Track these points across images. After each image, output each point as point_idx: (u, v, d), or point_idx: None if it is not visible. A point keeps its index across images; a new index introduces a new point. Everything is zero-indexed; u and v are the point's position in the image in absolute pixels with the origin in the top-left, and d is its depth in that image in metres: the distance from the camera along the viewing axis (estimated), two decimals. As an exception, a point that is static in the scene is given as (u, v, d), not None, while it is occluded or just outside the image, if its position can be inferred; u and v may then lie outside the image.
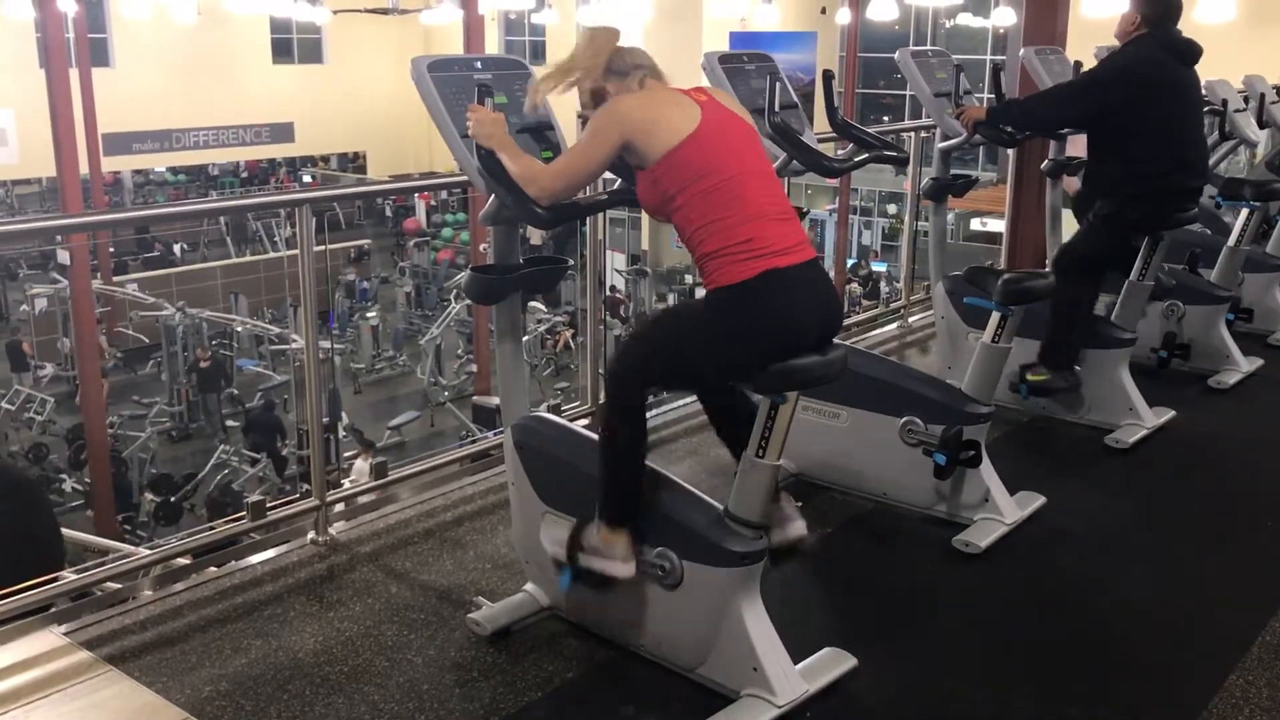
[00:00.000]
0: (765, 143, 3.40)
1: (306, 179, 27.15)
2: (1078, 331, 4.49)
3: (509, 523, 3.30)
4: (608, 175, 2.93)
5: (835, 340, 2.67)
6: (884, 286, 19.64)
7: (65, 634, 3.00)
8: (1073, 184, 4.96)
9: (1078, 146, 4.93)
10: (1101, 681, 2.88)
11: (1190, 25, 4.55)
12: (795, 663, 2.68)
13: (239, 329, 17.07)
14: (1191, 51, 4.38)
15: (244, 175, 27.74)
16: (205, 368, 15.78)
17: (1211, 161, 5.63)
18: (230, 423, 15.63)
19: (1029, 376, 4.45)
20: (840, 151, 4.23)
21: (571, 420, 3.46)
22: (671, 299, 20.21)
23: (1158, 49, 4.31)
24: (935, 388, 3.82)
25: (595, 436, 3.02)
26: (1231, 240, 5.37)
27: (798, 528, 2.84)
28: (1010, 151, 5.90)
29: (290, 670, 2.85)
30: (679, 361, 2.68)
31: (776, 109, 3.66)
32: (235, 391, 16.21)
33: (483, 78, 2.83)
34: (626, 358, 2.74)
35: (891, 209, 24.07)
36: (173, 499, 13.00)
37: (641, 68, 2.69)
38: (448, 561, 3.45)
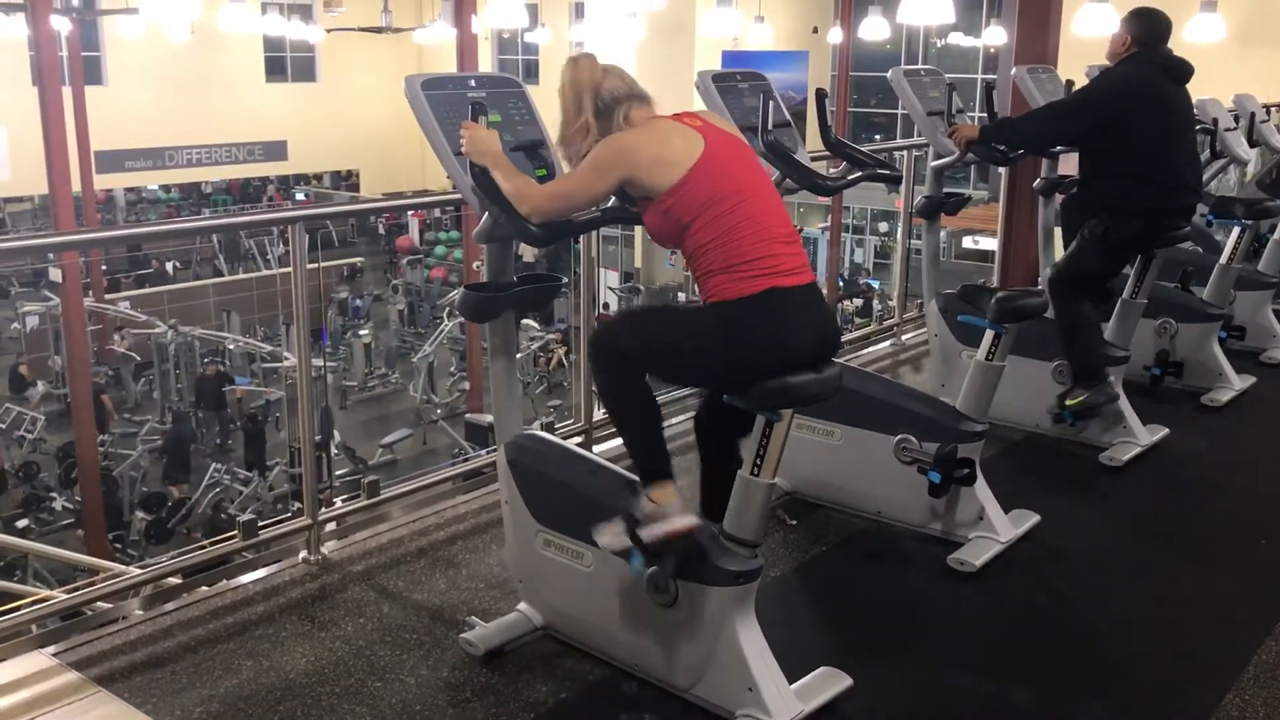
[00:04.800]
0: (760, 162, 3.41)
1: (300, 197, 27.15)
2: (1094, 345, 4.49)
3: (502, 541, 3.28)
4: None
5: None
6: (876, 304, 19.68)
7: (54, 655, 2.97)
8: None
9: (1070, 165, 4.94)
10: (1097, 700, 2.87)
11: (1181, 45, 4.57)
12: (790, 682, 2.66)
13: (231, 347, 17.03)
14: (1183, 70, 4.40)
15: (224, 197, 27.66)
16: (209, 380, 15.71)
17: (1203, 180, 5.66)
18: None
19: (1068, 403, 4.43)
20: (833, 170, 4.24)
21: (565, 438, 3.45)
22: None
23: (1149, 68, 4.33)
24: (929, 405, 3.82)
25: (590, 455, 3.02)
26: (1224, 258, 5.39)
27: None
28: (1003, 170, 5.92)
29: (282, 691, 2.83)
30: (671, 358, 2.66)
31: (770, 127, 3.67)
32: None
33: (476, 95, 2.83)
34: (618, 337, 2.73)
35: (884, 227, 24.13)
36: (167, 524, 12.96)
37: (622, 102, 2.67)
38: (440, 581, 3.43)
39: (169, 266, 23.29)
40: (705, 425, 2.99)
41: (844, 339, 6.22)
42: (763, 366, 2.53)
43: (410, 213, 25.94)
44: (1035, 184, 5.31)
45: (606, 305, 19.81)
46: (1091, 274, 4.51)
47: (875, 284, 21.79)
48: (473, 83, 2.95)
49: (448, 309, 18.30)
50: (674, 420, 4.70)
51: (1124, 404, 4.53)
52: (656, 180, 2.57)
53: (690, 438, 3.08)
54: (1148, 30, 4.35)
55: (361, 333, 18.79)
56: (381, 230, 27.54)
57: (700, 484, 2.94)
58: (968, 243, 21.04)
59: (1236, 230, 5.36)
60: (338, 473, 13.31)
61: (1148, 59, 4.34)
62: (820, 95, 4.25)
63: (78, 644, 3.03)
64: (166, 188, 26.62)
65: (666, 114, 2.72)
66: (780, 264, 2.54)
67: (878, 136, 23.72)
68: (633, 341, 2.71)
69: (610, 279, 21.55)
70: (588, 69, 2.70)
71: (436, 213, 25.16)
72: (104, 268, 20.10)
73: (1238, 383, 5.24)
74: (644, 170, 2.58)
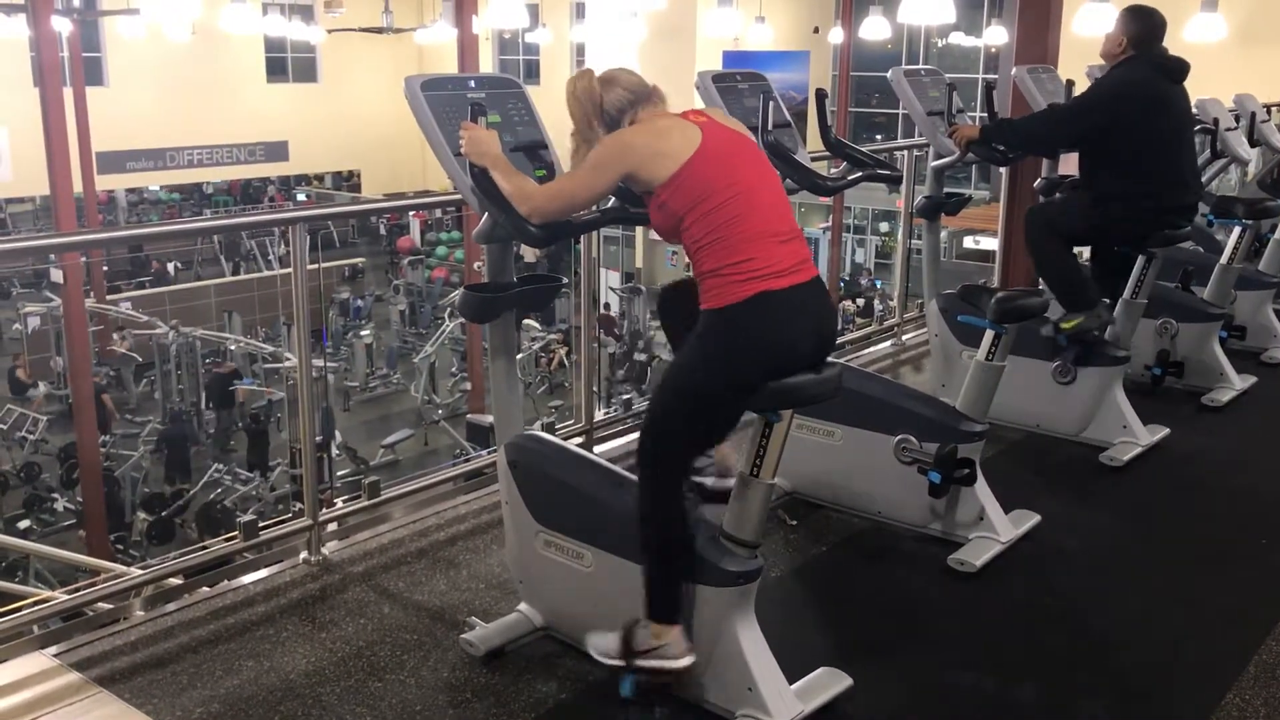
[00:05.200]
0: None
1: (301, 197, 27.16)
2: (1078, 276, 4.50)
3: (503, 542, 3.29)
4: None
5: (830, 359, 2.67)
6: (876, 304, 19.65)
7: (55, 655, 2.97)
8: None
9: (1070, 165, 4.95)
10: (1097, 700, 2.87)
11: (1181, 45, 4.58)
12: (791, 682, 2.67)
13: (232, 347, 17.04)
14: (1179, 69, 4.41)
15: (225, 198, 27.69)
16: (222, 377, 15.73)
17: (1203, 180, 5.66)
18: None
19: (1063, 325, 4.44)
20: (834, 170, 4.24)
21: (565, 439, 3.45)
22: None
23: (1147, 69, 4.34)
24: (929, 406, 3.82)
25: (591, 456, 3.02)
26: (1224, 258, 5.39)
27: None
28: (1003, 170, 5.92)
29: (282, 691, 2.83)
30: (695, 401, 2.60)
31: (770, 128, 3.67)
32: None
33: (476, 96, 2.84)
34: (650, 428, 2.67)
35: (884, 227, 24.12)
36: (162, 514, 12.99)
37: (626, 110, 2.68)
38: (441, 581, 3.43)
39: (170, 267, 23.32)
40: (667, 314, 3.00)
41: (845, 339, 6.23)
42: (761, 369, 2.52)
43: (411, 213, 25.97)
44: (1036, 184, 5.31)
45: (607, 305, 19.80)
46: (1072, 233, 4.53)
47: (880, 285, 21.78)
48: (472, 83, 2.95)
49: (449, 309, 18.31)
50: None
51: (1124, 403, 4.53)
52: (654, 173, 2.57)
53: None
54: (1143, 29, 4.35)
55: (363, 333, 18.79)
56: (383, 231, 27.54)
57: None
58: (968, 243, 21.02)
59: (1237, 230, 5.36)
60: (339, 473, 13.31)
61: (1144, 60, 4.34)
62: (820, 95, 4.25)
63: (79, 644, 3.03)
64: (168, 188, 26.63)
65: (673, 111, 2.72)
66: (771, 265, 2.51)
67: (878, 136, 23.72)
68: (658, 410, 2.68)
69: (611, 279, 21.54)
70: (585, 86, 2.70)
71: (438, 213, 25.17)
72: (105, 269, 20.12)
73: (1238, 383, 5.24)
74: (642, 164, 2.58)
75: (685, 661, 2.59)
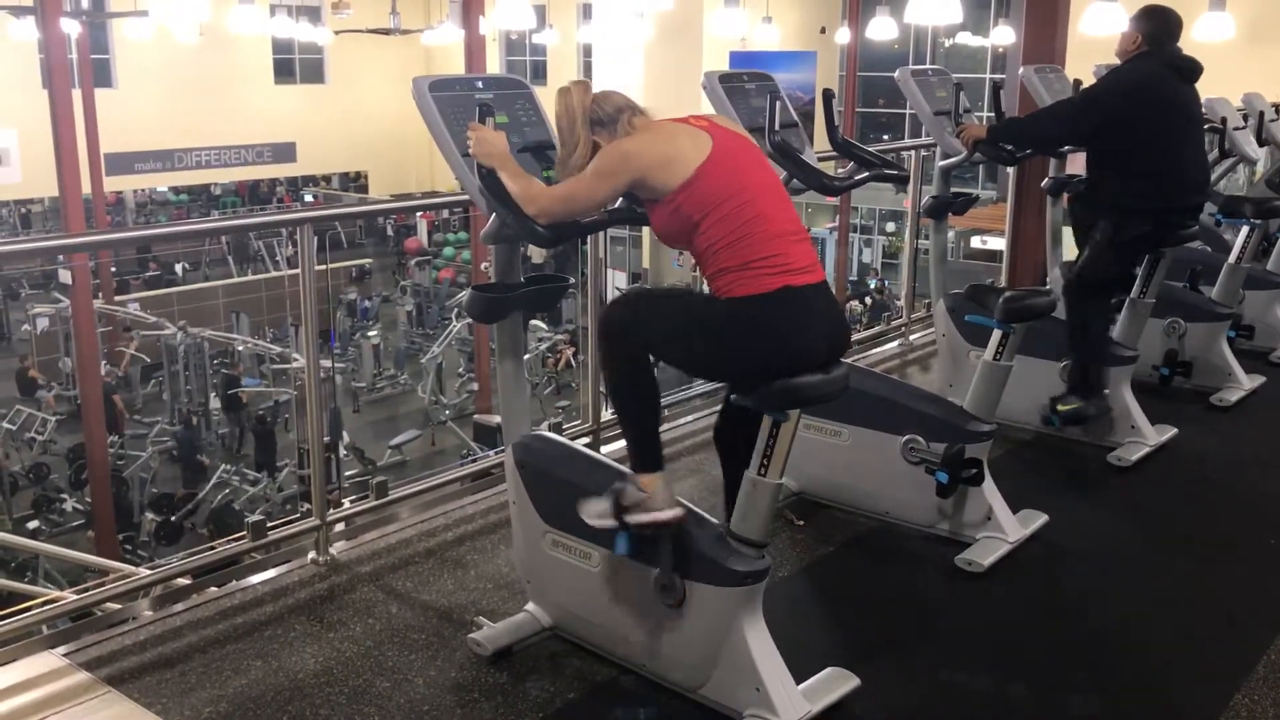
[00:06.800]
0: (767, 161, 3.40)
1: (308, 198, 27.21)
2: (1101, 354, 4.48)
3: (510, 542, 3.29)
4: None
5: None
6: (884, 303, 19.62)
7: (64, 655, 2.98)
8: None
9: (1078, 164, 4.94)
10: (1106, 701, 2.87)
11: (1190, 44, 4.56)
12: (798, 683, 2.66)
13: (240, 348, 17.08)
14: (1192, 69, 4.39)
15: (233, 199, 27.75)
16: (232, 378, 15.78)
17: (1211, 179, 5.64)
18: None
19: (1060, 408, 4.45)
20: (840, 170, 4.23)
21: (573, 439, 3.45)
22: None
23: (1158, 67, 4.32)
24: (937, 405, 3.81)
25: (598, 456, 3.02)
26: (1232, 257, 5.37)
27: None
28: (1010, 170, 5.91)
29: (290, 691, 2.84)
30: (680, 342, 2.65)
31: (776, 128, 3.67)
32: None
33: (484, 97, 2.84)
34: (629, 310, 2.73)
35: (891, 227, 24.10)
36: (173, 519, 13.02)
37: (624, 110, 2.69)
38: (449, 581, 3.43)
39: (178, 268, 23.38)
40: (724, 438, 2.99)
41: (853, 339, 6.22)
42: (772, 366, 2.52)
43: (419, 214, 26.00)
44: (1043, 183, 5.30)
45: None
46: (1107, 277, 4.50)
47: (886, 284, 21.75)
48: (480, 84, 2.95)
49: (456, 310, 18.32)
50: (681, 421, 4.72)
51: (1132, 404, 4.52)
52: (665, 179, 2.57)
53: (701, 437, 3.08)
54: (1158, 28, 4.34)
55: (370, 334, 18.82)
56: (390, 232, 27.59)
57: (724, 489, 2.94)
58: (976, 242, 21.00)
59: (1245, 229, 5.35)
60: (347, 473, 13.33)
61: (1156, 57, 4.33)
62: (827, 95, 4.25)
63: (88, 644, 3.04)
64: (176, 190, 26.70)
65: (671, 118, 2.73)
66: (792, 261, 2.53)
67: (885, 136, 23.68)
68: (642, 317, 2.71)
69: (618, 280, 21.54)
70: (579, 96, 2.71)
71: (445, 214, 25.21)
72: (113, 270, 20.17)
73: (1247, 382, 5.22)
74: (652, 171, 2.58)
75: (674, 513, 2.64)
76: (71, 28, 16.90)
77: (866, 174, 4.00)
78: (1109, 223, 4.38)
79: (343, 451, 13.97)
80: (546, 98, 3.06)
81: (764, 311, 2.51)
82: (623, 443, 4.38)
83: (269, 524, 3.61)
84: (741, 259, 2.53)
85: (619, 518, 2.66)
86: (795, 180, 3.70)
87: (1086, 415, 4.45)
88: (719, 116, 2.85)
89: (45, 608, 3.32)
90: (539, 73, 25.65)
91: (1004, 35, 17.21)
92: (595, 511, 2.72)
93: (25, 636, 3.04)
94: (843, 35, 20.16)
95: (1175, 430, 4.62)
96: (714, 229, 2.55)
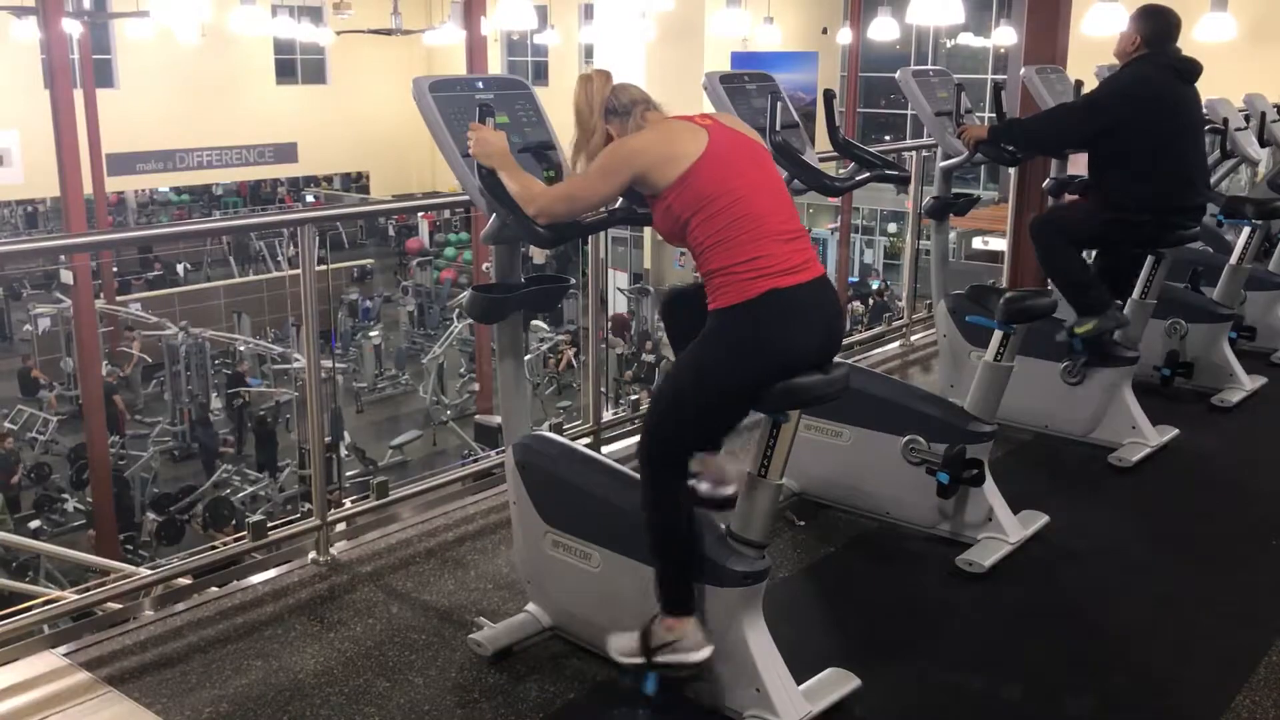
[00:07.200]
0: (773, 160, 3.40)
1: (310, 199, 27.22)
2: (1087, 278, 4.47)
3: (511, 542, 3.29)
4: None
5: (837, 359, 2.67)
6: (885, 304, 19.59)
7: (65, 655, 2.98)
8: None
9: (1079, 165, 4.93)
10: (1107, 702, 2.86)
11: (1191, 44, 4.56)
12: (798, 683, 2.66)
13: (241, 348, 17.09)
14: (1192, 70, 4.39)
15: (234, 199, 27.76)
16: (236, 377, 15.80)
17: (1213, 180, 5.64)
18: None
19: (1077, 330, 4.41)
20: (842, 170, 4.23)
21: (573, 439, 3.45)
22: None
23: (1158, 68, 4.32)
24: (938, 406, 3.81)
25: (598, 456, 3.02)
26: (1234, 258, 5.37)
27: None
28: (1012, 170, 5.90)
29: (291, 691, 2.84)
30: (697, 400, 2.61)
31: (777, 128, 3.67)
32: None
33: (484, 97, 2.84)
34: (652, 428, 2.68)
35: (892, 228, 24.09)
36: (170, 510, 13.05)
37: (639, 103, 2.70)
38: (449, 581, 3.43)
39: (180, 268, 23.39)
40: (670, 316, 3.03)
41: (853, 339, 6.22)
42: (771, 367, 2.52)
43: (420, 214, 26.02)
44: (1045, 184, 5.30)
45: (631, 312, 19.80)
46: (1079, 236, 4.50)
47: (888, 284, 21.74)
48: (480, 84, 2.95)
49: (457, 310, 18.32)
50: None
51: (1133, 404, 4.52)
52: (663, 177, 2.57)
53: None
54: (1157, 29, 4.34)
55: (371, 334, 18.83)
56: (391, 232, 27.59)
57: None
58: (977, 243, 20.98)
59: (1247, 230, 5.34)
60: (348, 474, 13.33)
61: (1157, 58, 4.33)
62: (828, 95, 4.25)
63: (88, 644, 3.04)
64: (178, 190, 26.71)
65: (681, 115, 2.73)
66: (778, 263, 2.51)
67: (887, 137, 23.68)
68: (658, 410, 2.69)
69: (619, 280, 21.54)
70: (600, 84, 2.72)
71: (446, 214, 25.23)
72: (115, 270, 20.18)
73: (1248, 383, 5.22)
74: (652, 168, 2.58)
75: (703, 654, 2.60)
76: (73, 28, 16.92)
77: (867, 174, 4.00)
78: (1111, 214, 4.38)
79: (344, 451, 13.98)
80: (547, 98, 3.07)
81: (749, 317, 2.50)
82: (625, 443, 4.40)
83: (269, 524, 3.61)
84: (723, 262, 2.53)
85: (647, 656, 2.63)
86: (796, 180, 3.70)
87: (1104, 329, 4.39)
88: (725, 115, 2.85)
89: (46, 607, 3.32)
90: (540, 73, 25.66)
91: (1005, 36, 17.21)
92: (623, 649, 2.69)
93: (26, 636, 3.04)
94: (844, 36, 20.12)
95: (1176, 431, 4.62)
96: (701, 228, 2.55)
